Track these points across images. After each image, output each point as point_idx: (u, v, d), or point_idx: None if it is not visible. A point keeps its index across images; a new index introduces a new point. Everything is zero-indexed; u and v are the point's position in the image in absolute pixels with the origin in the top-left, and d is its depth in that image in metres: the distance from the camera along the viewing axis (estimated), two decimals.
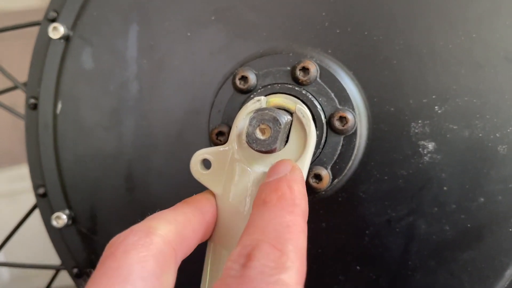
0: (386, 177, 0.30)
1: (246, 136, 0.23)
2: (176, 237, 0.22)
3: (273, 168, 0.24)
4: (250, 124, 0.22)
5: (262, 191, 0.23)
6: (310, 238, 0.32)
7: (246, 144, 0.26)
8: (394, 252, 0.31)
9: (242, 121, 0.27)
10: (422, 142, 0.30)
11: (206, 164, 0.28)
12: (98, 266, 0.20)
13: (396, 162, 0.30)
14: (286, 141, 0.26)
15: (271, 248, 0.19)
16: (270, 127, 0.22)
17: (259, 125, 0.22)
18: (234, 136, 0.27)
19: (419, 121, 0.30)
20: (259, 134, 0.22)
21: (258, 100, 0.27)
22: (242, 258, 0.19)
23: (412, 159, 0.30)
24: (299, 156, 0.26)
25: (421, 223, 0.30)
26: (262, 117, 0.22)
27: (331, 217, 0.31)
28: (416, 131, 0.30)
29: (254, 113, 0.23)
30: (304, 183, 0.24)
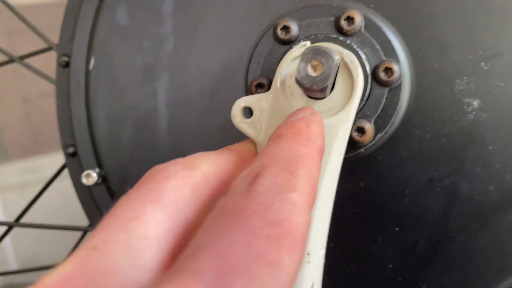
0: (428, 135, 0.29)
1: (297, 72, 0.22)
2: (216, 178, 0.21)
3: (292, 114, 0.23)
4: (302, 60, 0.22)
5: (277, 128, 0.22)
6: (348, 198, 0.31)
7: (290, 91, 0.26)
8: (435, 213, 0.30)
9: (286, 67, 0.26)
10: (467, 100, 0.29)
11: (247, 113, 0.27)
12: (134, 187, 0.19)
13: (439, 120, 0.29)
14: (332, 88, 0.25)
15: (281, 170, 0.18)
16: (323, 63, 0.22)
17: (311, 61, 0.22)
18: (278, 83, 0.26)
19: (464, 78, 0.29)
20: (310, 71, 0.22)
21: (304, 45, 0.26)
22: (250, 177, 0.18)
23: (456, 116, 0.29)
24: (344, 105, 0.26)
25: (464, 183, 0.29)
26: (315, 51, 0.22)
27: (370, 176, 0.30)
28: (461, 88, 0.29)
29: (306, 49, 0.22)
30: (323, 126, 0.23)
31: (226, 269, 0.14)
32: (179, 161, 0.21)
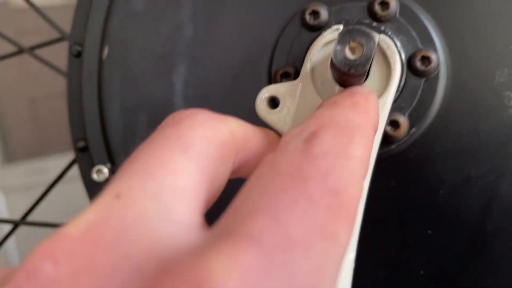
0: (465, 131, 0.27)
1: (334, 54, 0.20)
2: (242, 141, 0.19)
3: (345, 89, 0.22)
4: (339, 41, 0.20)
5: (332, 96, 0.20)
6: (377, 198, 0.29)
7: (320, 79, 0.24)
8: (472, 214, 0.28)
9: (316, 53, 0.24)
10: (508, 93, 0.27)
11: (272, 104, 0.25)
12: (155, 133, 0.17)
13: (477, 114, 0.27)
14: (367, 77, 0.23)
15: (340, 132, 0.17)
16: (363, 45, 0.20)
17: (349, 42, 0.20)
18: (308, 70, 0.24)
19: (505, 69, 0.27)
20: (348, 54, 0.20)
21: (337, 29, 0.24)
22: (305, 133, 0.17)
23: (495, 111, 0.27)
24: (379, 96, 0.24)
25: (504, 182, 0.27)
26: (353, 33, 0.20)
27: (402, 174, 0.28)
28: (501, 80, 0.27)
29: (343, 29, 0.20)
30: (379, 108, 0.21)
31: (285, 238, 0.13)
32: (206, 111, 0.18)
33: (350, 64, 0.20)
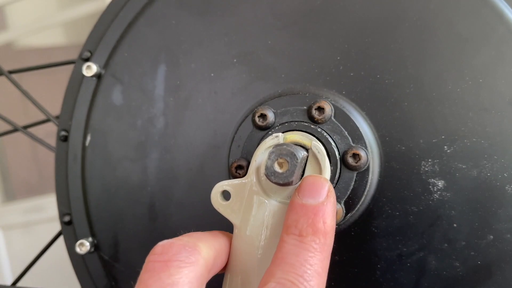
0: (397, 213, 0.32)
1: (265, 169, 0.24)
2: (213, 262, 0.25)
3: (309, 185, 0.26)
4: (269, 158, 0.24)
5: (299, 217, 0.25)
6: None
7: (264, 177, 0.28)
8: (405, 287, 0.31)
9: (260, 155, 0.29)
10: (432, 180, 0.31)
11: (226, 195, 0.29)
12: (149, 270, 0.23)
13: (407, 199, 0.31)
14: (302, 175, 0.28)
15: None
16: (288, 161, 0.24)
17: (277, 159, 0.24)
18: (253, 170, 0.28)
19: (429, 160, 0.31)
20: (277, 168, 0.24)
21: (276, 136, 0.28)
22: None
23: (422, 196, 0.31)
24: None
25: (432, 259, 0.31)
26: (280, 151, 0.24)
27: (344, 250, 0.32)
28: (426, 169, 0.31)
29: (273, 148, 0.25)
30: (335, 211, 0.27)
31: None
32: (185, 245, 0.24)
33: (278, 176, 0.24)
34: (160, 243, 0.24)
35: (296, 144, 0.29)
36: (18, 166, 1.93)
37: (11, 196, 1.96)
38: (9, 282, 1.79)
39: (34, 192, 1.89)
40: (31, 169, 1.91)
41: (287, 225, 0.25)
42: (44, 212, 1.78)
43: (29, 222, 1.80)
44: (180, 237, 0.25)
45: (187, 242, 0.24)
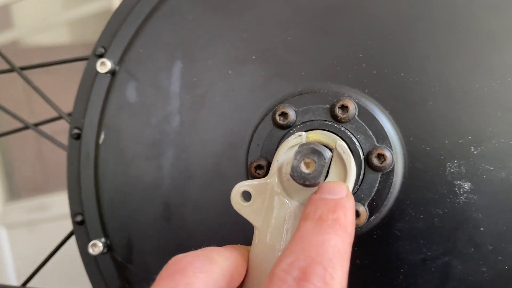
0: (421, 216, 0.31)
1: (291, 169, 0.23)
2: (229, 275, 0.24)
3: (328, 187, 0.25)
4: (295, 158, 0.23)
5: (318, 206, 0.24)
6: None
7: (286, 177, 0.27)
8: None
9: (283, 155, 0.28)
10: (458, 182, 0.30)
11: (246, 196, 0.28)
12: (165, 276, 0.22)
13: (431, 201, 0.30)
14: (326, 176, 0.27)
15: (324, 271, 0.21)
16: (315, 161, 0.23)
17: (304, 159, 0.23)
18: (275, 169, 0.27)
19: (455, 161, 0.30)
20: (303, 168, 0.23)
21: (300, 135, 0.27)
22: (296, 270, 0.21)
23: (447, 198, 0.30)
24: None
25: (457, 263, 0.30)
26: (307, 151, 0.23)
27: (366, 254, 0.31)
28: (452, 170, 0.30)
29: (298, 147, 0.24)
30: (354, 212, 0.26)
31: None
32: (201, 254, 0.24)
33: (304, 177, 0.23)
34: (174, 257, 0.24)
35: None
36: (22, 165, 1.92)
37: (15, 194, 1.95)
38: (13, 280, 1.79)
39: (39, 191, 1.88)
40: (35, 167, 1.90)
41: (305, 214, 0.24)
42: (48, 211, 1.78)
43: (33, 221, 1.79)
44: (194, 251, 0.24)
45: (202, 253, 0.24)
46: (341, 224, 0.23)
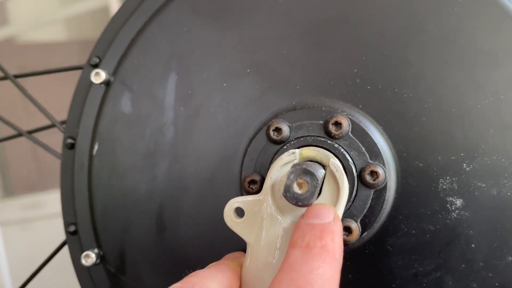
0: (413, 231, 0.31)
1: (284, 189, 0.23)
2: None
3: (315, 211, 0.25)
4: (288, 178, 0.23)
5: (305, 232, 0.24)
6: None
7: (279, 195, 0.27)
8: None
9: (276, 172, 0.28)
10: (450, 198, 0.30)
11: (239, 212, 0.28)
12: None
13: (423, 217, 0.31)
14: (319, 194, 0.27)
15: None
16: (308, 182, 0.23)
17: (296, 179, 0.23)
18: (268, 187, 0.27)
19: (447, 178, 0.30)
20: (296, 188, 0.23)
21: (293, 153, 0.28)
22: None
23: (439, 214, 0.30)
24: None
25: (449, 279, 0.30)
26: (300, 172, 0.23)
27: (358, 268, 0.31)
28: (444, 187, 0.30)
29: (292, 167, 0.24)
30: (342, 234, 0.26)
31: None
32: (192, 285, 0.24)
33: (297, 198, 0.23)
34: None
35: (312, 161, 0.28)
36: (17, 162, 1.92)
37: (9, 192, 1.95)
38: (7, 278, 1.79)
39: (33, 189, 1.88)
40: (30, 165, 1.90)
41: (293, 241, 0.24)
42: (42, 209, 1.78)
43: (27, 219, 1.79)
44: (186, 279, 0.24)
45: (195, 283, 0.24)
46: (329, 250, 0.23)
